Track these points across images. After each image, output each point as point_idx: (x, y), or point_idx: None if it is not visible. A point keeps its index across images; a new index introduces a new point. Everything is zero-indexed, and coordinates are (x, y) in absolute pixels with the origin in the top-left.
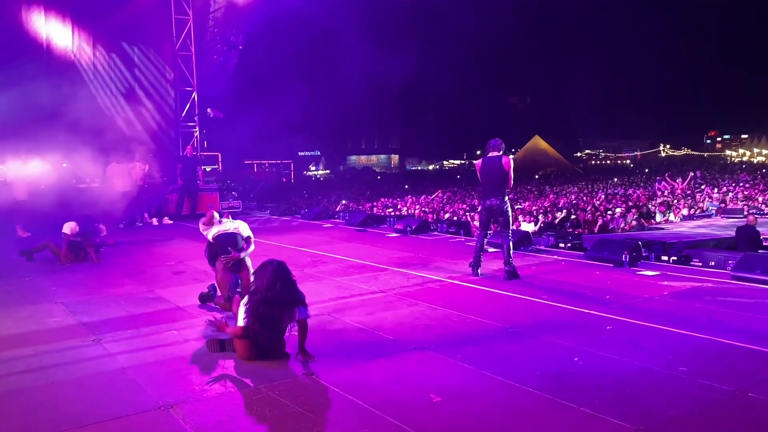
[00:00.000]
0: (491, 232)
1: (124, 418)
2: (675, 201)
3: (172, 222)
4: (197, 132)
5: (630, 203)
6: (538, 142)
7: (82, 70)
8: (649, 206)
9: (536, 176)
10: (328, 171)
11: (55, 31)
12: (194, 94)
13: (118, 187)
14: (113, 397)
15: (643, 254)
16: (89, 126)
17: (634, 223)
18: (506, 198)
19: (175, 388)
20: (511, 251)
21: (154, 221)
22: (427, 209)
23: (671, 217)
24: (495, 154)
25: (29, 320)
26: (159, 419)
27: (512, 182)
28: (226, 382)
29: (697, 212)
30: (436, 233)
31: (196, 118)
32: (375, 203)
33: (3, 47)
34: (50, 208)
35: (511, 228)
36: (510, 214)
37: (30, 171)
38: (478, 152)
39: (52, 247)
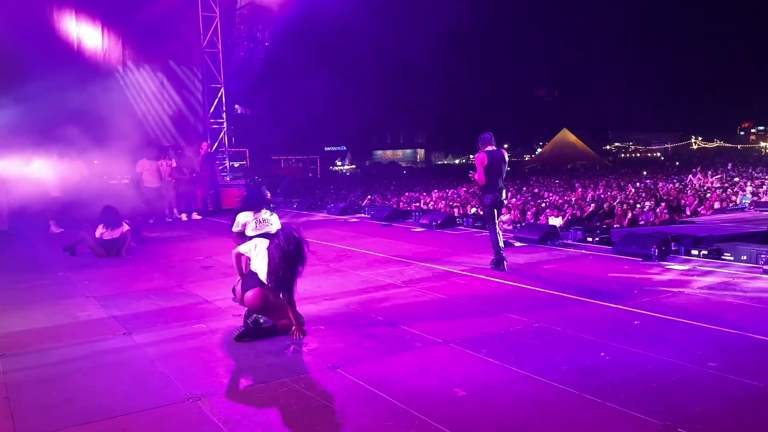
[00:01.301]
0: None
1: (154, 410)
2: (707, 194)
3: (200, 218)
4: (225, 128)
5: (660, 196)
6: (567, 135)
7: (112, 70)
8: (680, 199)
9: (567, 167)
10: (354, 166)
11: (85, 34)
12: (221, 91)
13: (148, 183)
14: (143, 389)
15: (673, 248)
16: (120, 124)
17: (664, 216)
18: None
19: (203, 380)
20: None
21: (183, 217)
22: (452, 203)
23: (702, 210)
24: (492, 147)
25: (62, 314)
26: (187, 411)
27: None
28: (253, 375)
29: (729, 205)
30: (462, 228)
31: (223, 115)
32: (400, 198)
33: (38, 51)
34: (82, 204)
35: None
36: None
37: (62, 168)
38: (506, 146)
39: (89, 241)
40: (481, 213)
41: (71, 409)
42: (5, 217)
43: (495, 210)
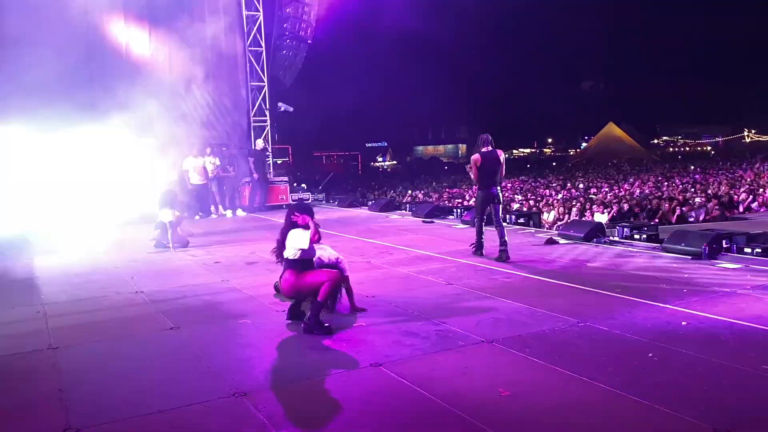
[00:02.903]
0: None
1: (201, 405)
2: (761, 189)
3: (245, 214)
4: (268, 126)
5: (710, 192)
6: (613, 129)
7: (159, 70)
8: (732, 195)
9: (610, 163)
10: (395, 162)
11: (133, 37)
12: (265, 89)
13: (194, 180)
14: (190, 384)
15: (725, 246)
16: (167, 121)
17: (715, 213)
18: (500, 187)
19: (248, 376)
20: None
21: (228, 213)
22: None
23: (756, 206)
24: (489, 148)
25: (112, 309)
26: (233, 406)
27: (504, 172)
28: (298, 371)
29: None
30: (504, 224)
31: (267, 112)
32: (442, 194)
33: (89, 53)
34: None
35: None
36: (501, 200)
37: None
38: (550, 140)
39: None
40: (523, 208)
41: (121, 402)
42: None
43: (487, 204)
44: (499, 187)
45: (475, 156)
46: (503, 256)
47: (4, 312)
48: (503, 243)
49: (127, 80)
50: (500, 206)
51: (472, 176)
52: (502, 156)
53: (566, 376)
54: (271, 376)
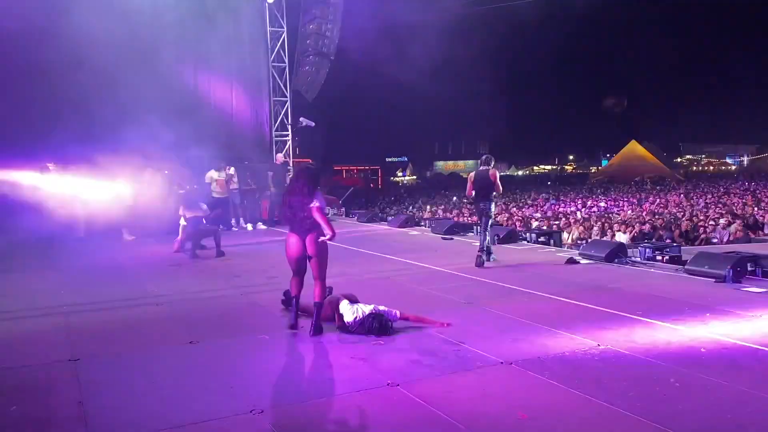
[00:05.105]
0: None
1: (219, 421)
2: None
3: (265, 228)
4: (290, 140)
5: (735, 212)
6: (635, 148)
7: (187, 81)
8: (756, 216)
9: (633, 182)
10: (415, 177)
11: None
12: (287, 104)
13: (216, 193)
14: (208, 399)
15: (749, 269)
16: (191, 136)
17: (739, 234)
18: (492, 202)
19: (266, 393)
20: (487, 242)
21: (249, 227)
22: (515, 217)
23: None
24: (485, 168)
25: (133, 322)
26: (251, 423)
27: (500, 189)
28: (315, 388)
29: None
30: (525, 243)
31: (288, 127)
32: (462, 210)
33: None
34: (152, 212)
35: (489, 225)
36: (492, 215)
37: (136, 178)
38: (571, 157)
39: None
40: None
41: (139, 416)
42: (82, 225)
43: (479, 216)
44: (490, 203)
45: (471, 174)
46: (480, 261)
47: (27, 322)
48: (481, 249)
49: (150, 93)
50: (487, 219)
51: (467, 192)
52: (496, 175)
53: (585, 400)
54: (288, 393)
